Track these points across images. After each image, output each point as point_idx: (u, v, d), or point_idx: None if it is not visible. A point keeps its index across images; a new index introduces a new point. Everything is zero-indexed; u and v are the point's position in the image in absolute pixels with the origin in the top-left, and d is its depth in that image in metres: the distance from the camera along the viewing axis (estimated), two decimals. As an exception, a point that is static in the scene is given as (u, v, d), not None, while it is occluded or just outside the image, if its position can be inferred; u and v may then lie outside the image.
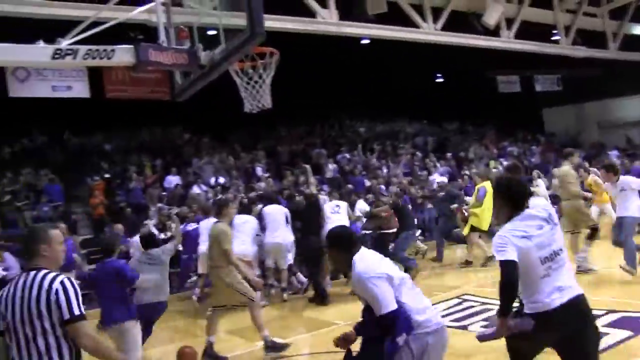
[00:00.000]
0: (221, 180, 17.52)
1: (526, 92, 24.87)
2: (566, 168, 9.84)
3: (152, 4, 7.41)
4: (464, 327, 7.36)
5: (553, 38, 18.52)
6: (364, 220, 12.14)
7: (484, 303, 8.40)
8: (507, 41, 16.28)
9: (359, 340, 4.11)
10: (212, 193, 16.20)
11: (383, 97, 26.42)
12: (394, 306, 3.76)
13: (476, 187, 12.05)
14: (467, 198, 12.98)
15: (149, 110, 18.49)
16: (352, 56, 21.28)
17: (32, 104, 13.71)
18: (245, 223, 10.33)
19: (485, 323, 7.21)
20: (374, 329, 3.90)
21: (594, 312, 7.12)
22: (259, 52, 7.93)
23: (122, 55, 6.92)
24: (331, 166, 19.65)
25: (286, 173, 17.96)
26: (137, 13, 7.92)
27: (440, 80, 30.75)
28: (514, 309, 3.71)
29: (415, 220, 15.27)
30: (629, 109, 25.91)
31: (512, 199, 3.85)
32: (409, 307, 3.83)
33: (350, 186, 15.53)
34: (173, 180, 17.19)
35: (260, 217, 10.94)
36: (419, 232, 13.99)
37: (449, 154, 22.01)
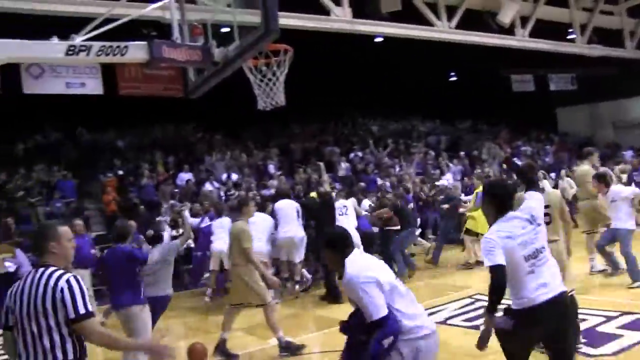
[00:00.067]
0: (234, 177, 17.54)
1: (540, 91, 24.65)
2: (586, 168, 9.77)
3: (166, 0, 7.41)
4: (476, 327, 7.27)
5: (568, 37, 18.37)
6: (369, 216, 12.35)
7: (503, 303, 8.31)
8: (521, 40, 16.18)
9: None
10: (224, 190, 16.23)
11: (396, 95, 26.33)
12: (384, 312, 3.74)
13: (475, 191, 12.06)
14: (467, 197, 12.99)
15: (162, 107, 18.51)
16: (365, 54, 21.23)
17: (45, 101, 13.74)
18: (261, 221, 10.33)
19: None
20: (361, 332, 3.87)
21: (609, 313, 7.12)
22: (273, 50, 7.91)
23: (136, 51, 6.93)
24: (344, 164, 19.61)
25: (298, 171, 17.95)
26: (150, 10, 7.91)
27: (454, 78, 30.65)
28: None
29: (425, 219, 15.38)
30: (644, 109, 25.65)
31: (497, 202, 4.11)
32: (400, 313, 3.81)
33: (362, 184, 15.48)
34: (185, 177, 17.19)
35: (272, 214, 10.96)
36: (418, 231, 13.94)
37: (462, 153, 21.91)
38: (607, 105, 26.76)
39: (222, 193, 16.02)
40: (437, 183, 16.82)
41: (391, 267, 10.66)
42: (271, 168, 18.79)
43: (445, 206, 13.09)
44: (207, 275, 11.93)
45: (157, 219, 13.40)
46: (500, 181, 4.26)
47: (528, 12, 16.29)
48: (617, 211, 8.85)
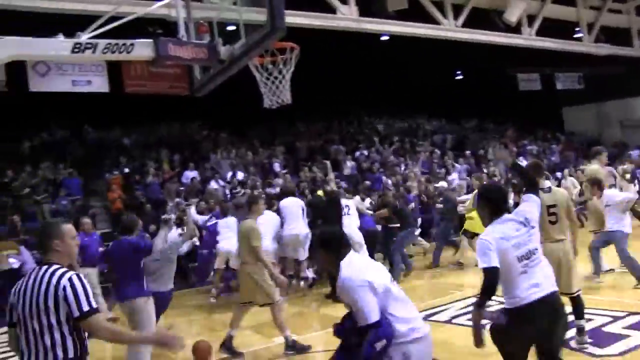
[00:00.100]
0: (239, 175, 17.54)
1: (547, 90, 24.57)
2: (596, 167, 9.72)
3: (172, -2, 7.42)
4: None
5: (575, 35, 18.29)
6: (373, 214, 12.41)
7: (502, 302, 8.27)
8: (528, 38, 16.10)
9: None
10: (229, 188, 16.23)
11: (402, 94, 26.29)
12: (376, 317, 3.68)
13: (473, 193, 12.03)
14: (466, 197, 12.97)
15: (168, 105, 18.56)
16: (371, 52, 21.22)
17: (51, 98, 13.77)
18: (268, 220, 10.33)
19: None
20: (354, 335, 3.82)
21: (615, 314, 7.08)
22: (279, 48, 7.89)
23: (142, 49, 6.94)
24: (349, 163, 19.59)
25: (304, 169, 17.93)
26: (156, 7, 7.91)
27: (460, 77, 30.56)
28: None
29: (430, 219, 15.35)
30: (652, 108, 25.55)
31: (492, 205, 4.24)
32: (393, 317, 3.76)
33: (368, 183, 15.46)
34: (191, 175, 17.21)
35: (278, 212, 10.97)
36: (418, 231, 13.91)
37: (467, 152, 21.87)
38: (614, 104, 26.64)
39: (227, 191, 16.03)
40: (436, 185, 16.75)
41: (390, 266, 10.75)
42: (276, 166, 18.81)
43: (440, 206, 13.06)
44: (212, 274, 11.95)
45: (163, 216, 13.37)
46: (494, 185, 4.34)
47: (535, 10, 16.21)
48: (612, 215, 8.91)
